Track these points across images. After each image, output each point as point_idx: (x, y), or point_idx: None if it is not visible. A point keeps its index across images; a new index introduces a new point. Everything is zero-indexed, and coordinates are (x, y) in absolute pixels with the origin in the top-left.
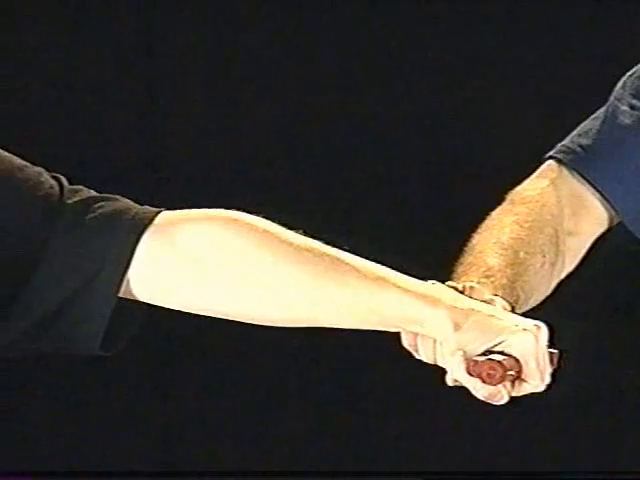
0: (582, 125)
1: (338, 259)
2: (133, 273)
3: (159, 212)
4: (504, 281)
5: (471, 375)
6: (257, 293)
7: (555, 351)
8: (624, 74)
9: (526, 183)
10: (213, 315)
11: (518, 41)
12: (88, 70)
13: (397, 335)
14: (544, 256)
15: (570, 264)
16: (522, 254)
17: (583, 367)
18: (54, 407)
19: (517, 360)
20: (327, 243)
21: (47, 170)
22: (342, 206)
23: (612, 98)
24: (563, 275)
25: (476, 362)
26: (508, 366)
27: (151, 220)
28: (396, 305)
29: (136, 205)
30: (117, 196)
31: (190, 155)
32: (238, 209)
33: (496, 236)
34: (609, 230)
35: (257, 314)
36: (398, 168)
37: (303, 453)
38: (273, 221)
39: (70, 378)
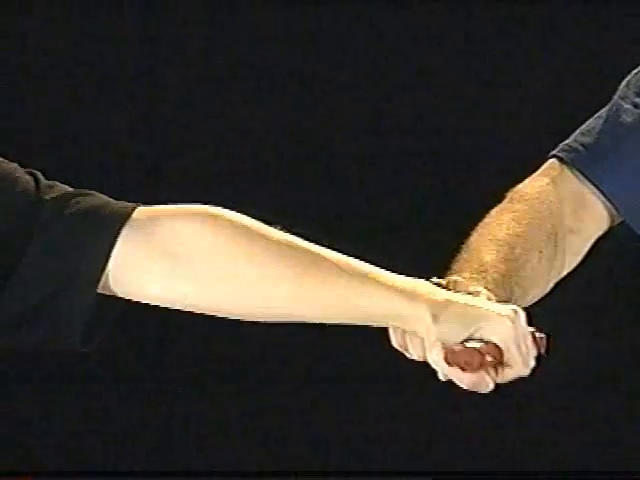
0: (585, 124)
1: (319, 255)
2: (112, 268)
3: (136, 207)
4: (496, 276)
5: (450, 365)
6: (237, 289)
7: (542, 335)
8: (629, 73)
9: (527, 181)
10: (194, 310)
11: (521, 40)
12: (89, 70)
13: None
14: (541, 252)
15: (571, 263)
16: (518, 250)
17: (583, 367)
18: (54, 407)
19: (497, 346)
20: (309, 240)
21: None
22: (337, 207)
23: (616, 97)
24: (564, 273)
25: (453, 351)
26: (485, 352)
27: (129, 215)
28: (376, 301)
29: (112, 200)
30: (93, 191)
31: (182, 155)
32: (224, 206)
33: (492, 233)
34: (610, 229)
35: (238, 310)
36: (397, 167)
37: (304, 453)
38: (257, 218)
39: (70, 378)
